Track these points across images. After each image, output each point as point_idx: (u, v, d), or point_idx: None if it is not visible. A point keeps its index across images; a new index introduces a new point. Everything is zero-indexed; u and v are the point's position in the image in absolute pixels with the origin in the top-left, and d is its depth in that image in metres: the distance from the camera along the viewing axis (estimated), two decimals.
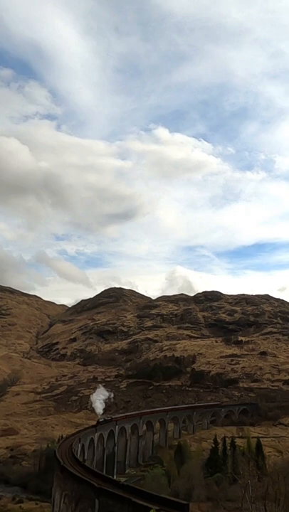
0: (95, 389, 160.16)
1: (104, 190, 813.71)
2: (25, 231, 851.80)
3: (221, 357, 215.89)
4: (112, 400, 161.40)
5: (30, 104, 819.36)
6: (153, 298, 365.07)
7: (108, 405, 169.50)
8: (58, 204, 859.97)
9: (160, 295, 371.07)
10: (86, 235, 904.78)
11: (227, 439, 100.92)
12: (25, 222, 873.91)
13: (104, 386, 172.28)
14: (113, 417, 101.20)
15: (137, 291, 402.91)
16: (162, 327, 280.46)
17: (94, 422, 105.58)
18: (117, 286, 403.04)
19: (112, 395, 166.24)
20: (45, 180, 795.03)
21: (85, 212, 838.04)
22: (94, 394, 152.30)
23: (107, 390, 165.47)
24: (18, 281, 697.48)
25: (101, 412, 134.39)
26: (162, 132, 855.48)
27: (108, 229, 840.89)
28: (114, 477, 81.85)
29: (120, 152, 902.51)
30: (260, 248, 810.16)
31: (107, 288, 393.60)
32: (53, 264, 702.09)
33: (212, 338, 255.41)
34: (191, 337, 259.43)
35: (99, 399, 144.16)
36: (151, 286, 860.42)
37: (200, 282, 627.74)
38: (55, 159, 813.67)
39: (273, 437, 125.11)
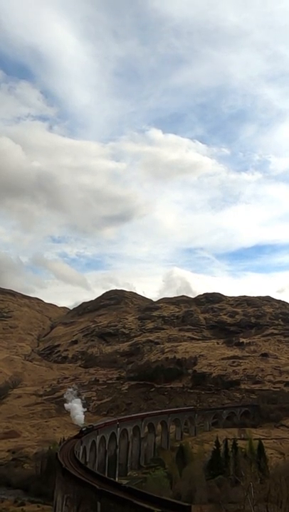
0: (85, 391, 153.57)
1: (99, 192, 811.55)
2: (21, 233, 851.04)
3: (223, 359, 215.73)
4: (83, 399, 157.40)
5: (22, 105, 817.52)
6: (152, 300, 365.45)
7: (110, 408, 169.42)
8: (53, 205, 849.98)
9: (158, 296, 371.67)
10: (83, 237, 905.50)
11: (229, 440, 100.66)
12: (21, 224, 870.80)
13: (76, 385, 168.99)
14: (94, 424, 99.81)
15: (135, 292, 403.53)
16: (163, 329, 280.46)
17: (94, 424, 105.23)
18: (115, 288, 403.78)
19: (84, 396, 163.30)
20: (39, 180, 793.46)
21: (80, 213, 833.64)
22: (69, 402, 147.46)
23: (79, 391, 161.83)
24: (17, 284, 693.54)
25: (82, 419, 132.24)
26: (156, 133, 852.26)
27: (105, 231, 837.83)
28: (116, 479, 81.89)
29: (114, 154, 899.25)
30: (260, 250, 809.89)
31: (107, 290, 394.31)
32: (51, 266, 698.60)
33: (213, 340, 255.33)
34: (192, 339, 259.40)
35: (77, 407, 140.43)
36: (150, 288, 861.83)
37: (198, 284, 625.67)
38: (48, 160, 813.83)
39: (275, 439, 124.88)
